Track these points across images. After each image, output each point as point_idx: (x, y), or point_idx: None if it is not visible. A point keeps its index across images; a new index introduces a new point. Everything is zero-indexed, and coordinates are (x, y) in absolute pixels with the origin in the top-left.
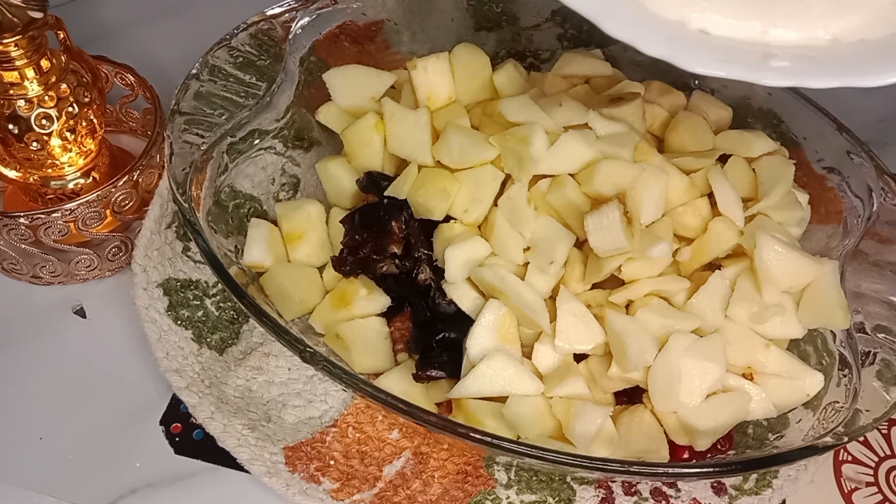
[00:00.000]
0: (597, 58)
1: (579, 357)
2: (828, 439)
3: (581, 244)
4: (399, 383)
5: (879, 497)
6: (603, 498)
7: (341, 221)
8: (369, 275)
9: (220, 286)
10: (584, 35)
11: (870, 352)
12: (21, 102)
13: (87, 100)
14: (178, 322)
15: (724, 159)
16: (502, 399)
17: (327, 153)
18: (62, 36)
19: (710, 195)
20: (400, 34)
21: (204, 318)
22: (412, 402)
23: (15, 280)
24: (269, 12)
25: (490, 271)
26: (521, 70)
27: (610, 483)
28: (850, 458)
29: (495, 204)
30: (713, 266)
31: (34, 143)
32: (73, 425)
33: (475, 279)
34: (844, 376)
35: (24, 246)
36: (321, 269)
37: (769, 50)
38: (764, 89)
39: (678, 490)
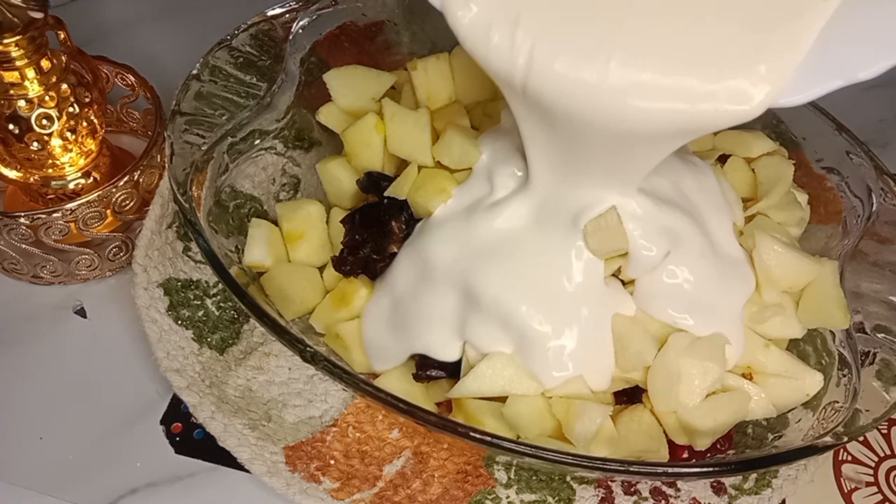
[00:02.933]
0: None
1: None
2: (827, 439)
3: None
4: (399, 383)
5: (879, 497)
6: (603, 497)
7: (341, 221)
8: (369, 275)
9: (220, 286)
10: None
11: (869, 352)
12: (21, 102)
13: (87, 100)
14: (179, 322)
15: (723, 159)
16: (502, 399)
17: (327, 153)
18: (63, 36)
19: None
20: (400, 35)
21: (204, 318)
22: (412, 402)
23: (15, 280)
24: (270, 13)
25: None
26: None
27: (610, 482)
28: (849, 458)
29: None
30: None
31: (35, 143)
32: (73, 425)
33: None
34: (844, 376)
35: (24, 246)
36: (321, 269)
37: None
38: None
39: (678, 490)
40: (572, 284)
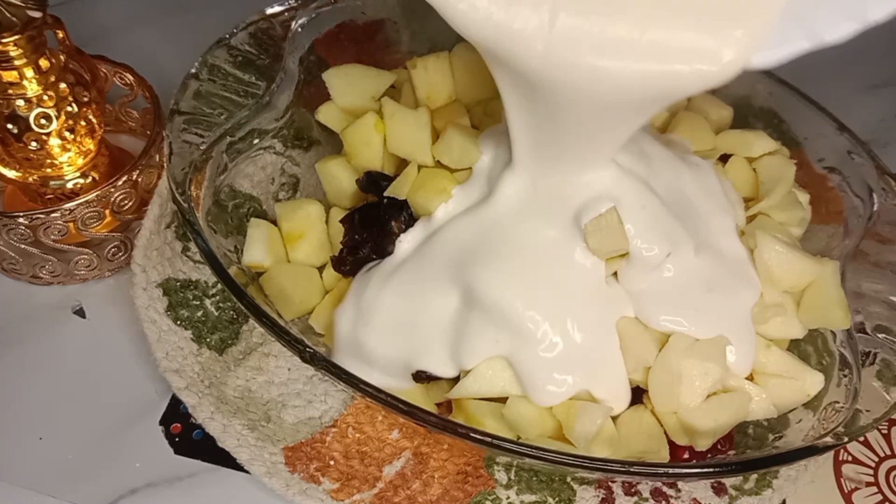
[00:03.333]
0: None
1: None
2: (828, 439)
3: None
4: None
5: (879, 497)
6: (603, 498)
7: (341, 221)
8: None
9: (219, 286)
10: None
11: (870, 352)
12: (20, 102)
13: (86, 99)
14: (178, 322)
15: (724, 159)
16: (502, 399)
17: (327, 153)
18: (61, 35)
19: None
20: (400, 33)
21: (203, 319)
22: (412, 403)
23: (14, 280)
24: (269, 11)
25: None
26: None
27: (610, 483)
28: (850, 458)
29: None
30: None
31: (33, 143)
32: (73, 425)
33: None
34: (845, 376)
35: (23, 246)
36: (321, 269)
37: None
38: (765, 88)
39: (678, 490)
40: (574, 285)
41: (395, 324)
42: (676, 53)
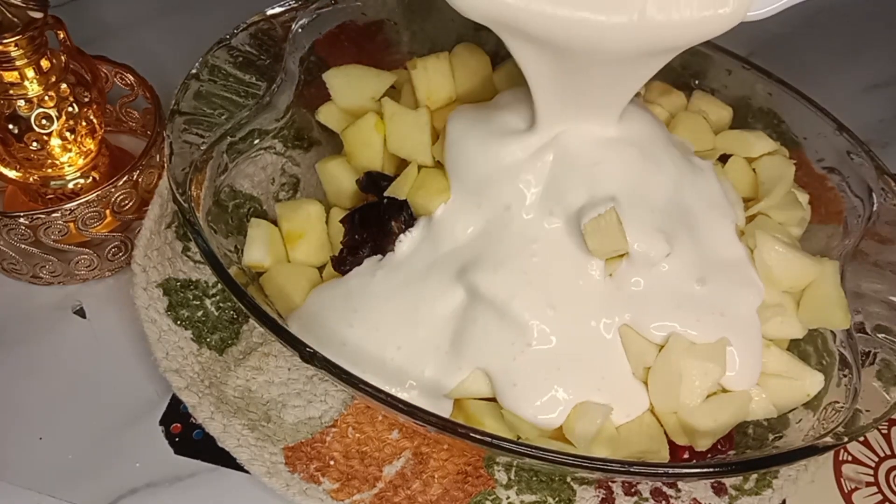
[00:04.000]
0: None
1: None
2: (828, 439)
3: None
4: None
5: (879, 497)
6: (603, 498)
7: (341, 221)
8: None
9: (219, 286)
10: None
11: (870, 352)
12: (21, 102)
13: (86, 99)
14: (178, 322)
15: (724, 159)
16: None
17: (327, 153)
18: (62, 36)
19: None
20: (400, 34)
21: (204, 318)
22: (412, 403)
23: (15, 280)
24: (269, 12)
25: None
26: None
27: (610, 483)
28: (850, 458)
29: None
30: None
31: (34, 143)
32: (73, 425)
33: None
34: (844, 376)
35: (23, 246)
36: (321, 268)
37: None
38: (764, 88)
39: (678, 490)
40: (574, 285)
41: (389, 322)
42: (679, 4)
